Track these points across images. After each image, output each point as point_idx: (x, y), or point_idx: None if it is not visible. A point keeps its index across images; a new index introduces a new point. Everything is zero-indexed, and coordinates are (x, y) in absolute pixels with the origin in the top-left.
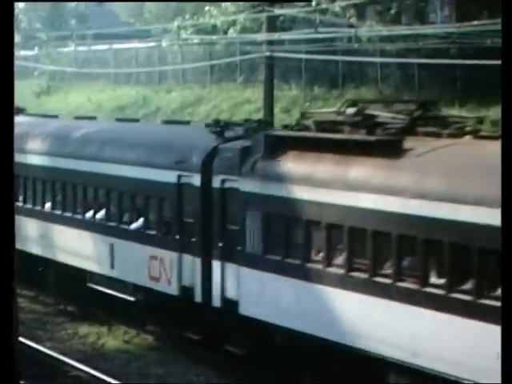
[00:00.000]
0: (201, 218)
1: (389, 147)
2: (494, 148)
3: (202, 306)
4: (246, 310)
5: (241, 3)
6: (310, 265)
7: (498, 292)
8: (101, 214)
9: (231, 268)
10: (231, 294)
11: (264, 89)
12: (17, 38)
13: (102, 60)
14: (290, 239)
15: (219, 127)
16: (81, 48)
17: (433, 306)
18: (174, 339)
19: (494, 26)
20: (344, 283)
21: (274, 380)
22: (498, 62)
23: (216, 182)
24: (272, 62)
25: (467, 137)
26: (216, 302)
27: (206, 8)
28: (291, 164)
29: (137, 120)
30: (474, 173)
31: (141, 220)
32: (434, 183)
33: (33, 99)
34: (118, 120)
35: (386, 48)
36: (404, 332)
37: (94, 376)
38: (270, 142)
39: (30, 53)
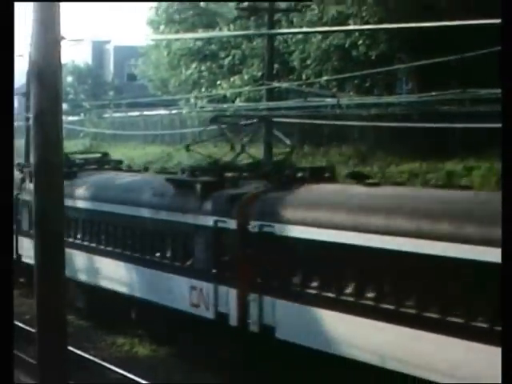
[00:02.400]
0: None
1: (73, 176)
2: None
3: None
4: (24, 259)
5: (246, 78)
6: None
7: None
8: None
9: (20, 238)
10: (20, 252)
11: (264, 147)
12: (65, 106)
13: (134, 124)
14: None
15: (22, 166)
16: (117, 114)
17: None
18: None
19: (448, 96)
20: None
21: None
22: (452, 125)
23: (14, 195)
24: (270, 125)
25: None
26: (15, 257)
27: (218, 82)
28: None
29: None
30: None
31: None
32: (86, 192)
33: None
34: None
35: (362, 113)
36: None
37: (129, 377)
38: (31, 172)
39: (76, 118)
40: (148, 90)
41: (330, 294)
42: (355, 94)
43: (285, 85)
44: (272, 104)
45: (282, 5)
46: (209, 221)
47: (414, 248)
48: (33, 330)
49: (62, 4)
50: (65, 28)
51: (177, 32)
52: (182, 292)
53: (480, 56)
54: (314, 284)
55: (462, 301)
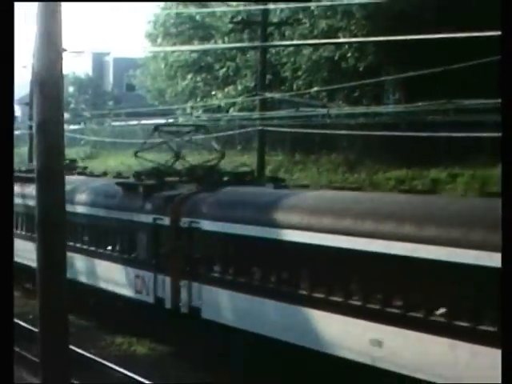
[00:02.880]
0: None
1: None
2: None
3: None
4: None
5: (240, 89)
6: (23, 232)
7: None
8: None
9: None
10: None
11: (257, 155)
12: (67, 115)
13: (133, 133)
14: (24, 222)
15: None
16: (116, 123)
17: None
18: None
19: (433, 106)
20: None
21: None
22: (437, 134)
23: None
24: (263, 134)
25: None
26: None
27: (213, 92)
28: (17, 188)
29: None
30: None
31: None
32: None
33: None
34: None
35: (351, 123)
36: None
37: (127, 375)
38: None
39: (77, 127)
40: (146, 99)
41: (243, 280)
42: (344, 104)
43: (277, 95)
44: (265, 114)
45: (275, 18)
46: (149, 218)
47: (302, 238)
48: (35, 330)
49: (63, 16)
50: (66, 40)
51: (174, 44)
52: (129, 280)
53: (463, 68)
54: (231, 271)
55: (397, 293)
